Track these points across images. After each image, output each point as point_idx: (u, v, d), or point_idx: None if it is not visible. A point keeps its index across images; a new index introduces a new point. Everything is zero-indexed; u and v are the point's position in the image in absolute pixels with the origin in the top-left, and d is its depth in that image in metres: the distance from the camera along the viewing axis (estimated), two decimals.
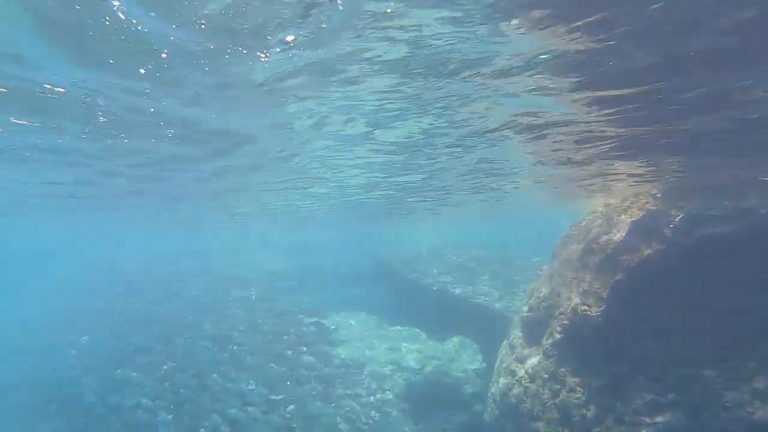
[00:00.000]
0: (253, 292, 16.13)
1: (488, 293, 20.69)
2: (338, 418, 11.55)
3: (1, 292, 28.10)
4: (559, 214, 28.38)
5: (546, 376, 11.26)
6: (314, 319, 15.00)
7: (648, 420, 8.82)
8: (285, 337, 13.47)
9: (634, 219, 9.94)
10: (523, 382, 12.06)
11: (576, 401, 10.19)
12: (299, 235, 37.01)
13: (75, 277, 23.64)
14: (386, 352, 17.80)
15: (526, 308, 13.50)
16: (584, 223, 12.12)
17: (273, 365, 12.03)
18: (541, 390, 11.29)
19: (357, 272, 30.99)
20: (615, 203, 10.91)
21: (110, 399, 11.00)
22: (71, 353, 14.45)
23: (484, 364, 17.09)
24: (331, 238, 38.55)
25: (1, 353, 18.46)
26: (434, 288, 22.47)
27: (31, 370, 15.55)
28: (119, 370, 11.84)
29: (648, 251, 9.40)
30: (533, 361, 12.01)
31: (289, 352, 12.57)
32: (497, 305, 19.82)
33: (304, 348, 13.14)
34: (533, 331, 12.83)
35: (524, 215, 34.04)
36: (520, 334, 13.71)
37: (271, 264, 30.96)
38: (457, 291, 21.33)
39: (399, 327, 19.85)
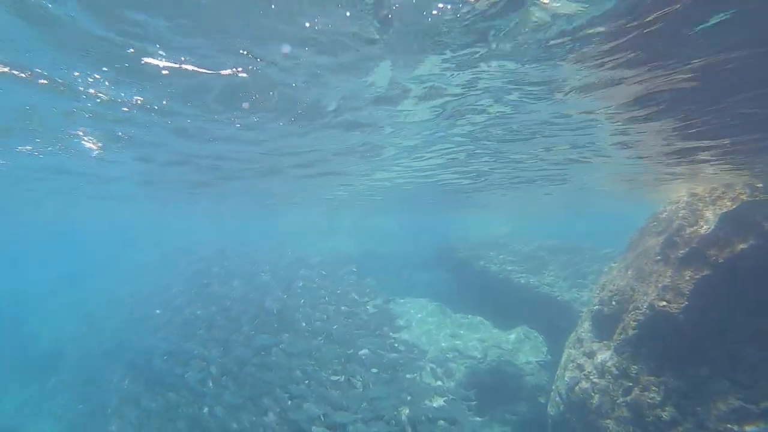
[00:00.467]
0: (318, 276, 16.59)
1: (555, 284, 19.98)
2: (400, 403, 11.70)
3: (90, 273, 31.18)
4: (630, 205, 26.70)
5: (617, 372, 10.75)
6: (377, 302, 15.16)
7: (736, 428, 8.19)
8: (348, 320, 13.76)
9: (725, 211, 9.11)
10: (591, 377, 11.60)
11: (650, 401, 9.66)
12: (365, 220, 37.64)
13: (154, 259, 25.47)
14: (449, 339, 17.77)
15: (596, 301, 12.90)
16: (665, 214, 11.30)
17: (334, 346, 12.36)
18: (611, 387, 10.81)
19: (422, 259, 31.04)
20: (702, 193, 10.05)
21: (179, 369, 11.77)
22: (147, 327, 15.55)
23: (549, 357, 16.62)
24: (397, 225, 38.84)
25: (89, 326, 20.55)
26: (500, 276, 22.04)
27: (112, 340, 17.13)
28: (188, 343, 12.50)
29: (742, 246, 8.61)
30: (603, 356, 11.50)
31: (351, 335, 12.83)
32: (565, 296, 19.11)
33: (366, 331, 13.36)
34: (604, 326, 12.26)
35: (594, 206, 32.34)
36: (590, 327, 13.15)
37: (336, 248, 31.78)
38: (523, 280, 20.79)
39: (463, 315, 19.69)
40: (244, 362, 10.69)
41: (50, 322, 24.46)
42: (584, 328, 13.52)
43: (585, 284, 19.32)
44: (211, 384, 10.42)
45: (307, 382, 10.44)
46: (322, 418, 9.29)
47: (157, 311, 13.72)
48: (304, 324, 11.95)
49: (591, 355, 12.25)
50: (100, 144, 12.28)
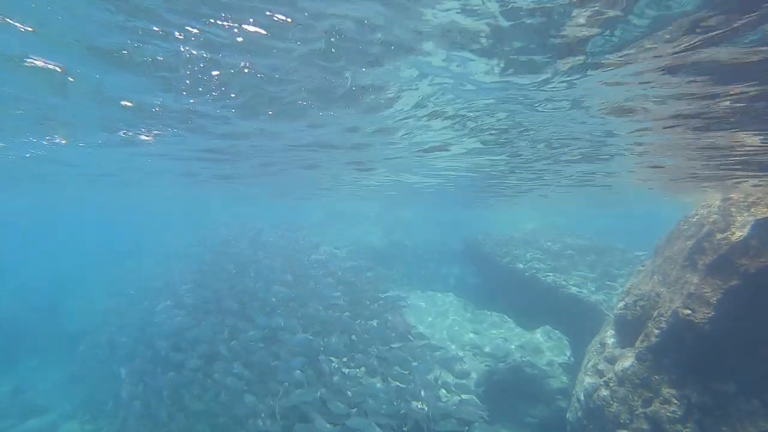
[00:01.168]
0: (338, 265, 16.52)
1: (583, 284, 19.28)
2: (411, 397, 11.57)
3: (125, 255, 32.33)
4: (671, 207, 25.39)
5: (637, 381, 10.30)
6: (394, 294, 14.89)
7: None
8: (366, 312, 13.62)
9: (760, 218, 8.46)
10: (610, 384, 11.17)
11: (671, 415, 9.20)
12: (393, 212, 37.47)
13: (182, 242, 25.72)
14: (470, 335, 17.50)
15: (621, 305, 12.38)
16: (696, 218, 10.63)
17: (347, 336, 12.21)
18: (630, 396, 10.38)
19: (448, 252, 30.69)
20: (737, 198, 9.37)
21: (182, 349, 11.53)
22: (161, 305, 15.51)
23: (572, 359, 16.13)
24: (424, 217, 38.52)
25: (113, 308, 20.95)
26: (525, 274, 21.49)
27: (130, 324, 17.40)
28: (194, 329, 12.28)
29: None
30: (624, 363, 11.03)
31: (365, 325, 12.59)
32: (592, 298, 18.42)
33: (381, 322, 13.18)
34: (627, 331, 11.76)
35: (632, 206, 30.95)
36: (613, 332, 12.66)
37: (361, 238, 31.74)
38: (550, 279, 20.17)
39: (486, 311, 19.36)
40: (251, 349, 10.74)
41: (85, 302, 25.55)
42: (608, 332, 13.03)
43: (614, 287, 18.56)
44: (217, 367, 10.55)
45: (309, 371, 10.36)
46: (321, 406, 9.27)
47: (168, 302, 13.89)
48: (311, 314, 11.83)
49: (612, 360, 11.80)
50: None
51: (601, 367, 12.14)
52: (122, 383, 12.21)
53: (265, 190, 26.74)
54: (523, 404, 15.69)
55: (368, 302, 13.55)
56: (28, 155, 16.20)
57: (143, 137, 12.88)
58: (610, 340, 12.52)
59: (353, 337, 12.15)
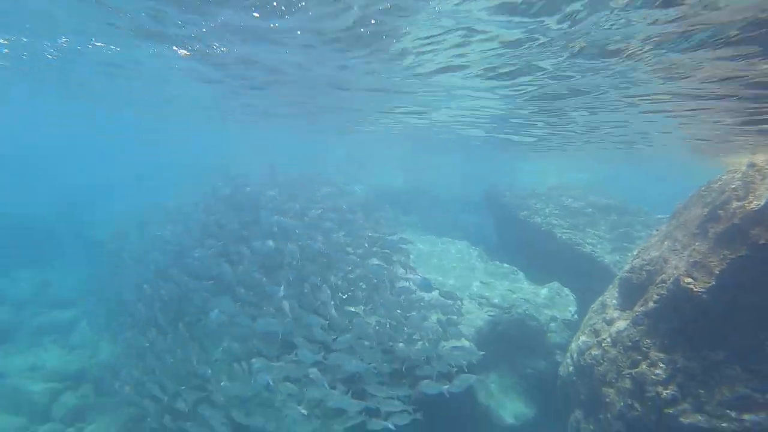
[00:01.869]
0: (348, 204, 16.31)
1: (599, 244, 18.85)
2: (409, 340, 11.85)
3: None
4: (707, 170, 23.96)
5: (629, 344, 10.24)
6: (400, 236, 14.69)
7: (733, 414, 7.68)
8: (367, 250, 13.57)
9: None
10: (603, 344, 11.17)
11: (654, 377, 9.19)
12: (420, 157, 36.89)
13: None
14: (480, 285, 17.59)
15: (627, 268, 12.11)
16: (718, 183, 10.02)
17: (357, 280, 12.35)
18: (620, 357, 10.37)
19: (469, 202, 30.34)
20: (761, 164, 8.73)
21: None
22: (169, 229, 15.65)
23: (576, 317, 16.13)
24: (451, 165, 37.83)
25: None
26: (542, 229, 21.12)
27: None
28: (198, 249, 12.36)
29: None
30: (620, 325, 10.95)
31: (365, 263, 12.56)
32: (606, 258, 18.08)
33: (391, 266, 13.28)
34: (629, 295, 11.57)
35: (666, 167, 29.30)
36: (616, 294, 12.49)
37: (383, 181, 31.56)
38: (565, 236, 19.79)
39: (498, 262, 19.37)
40: (246, 271, 10.99)
41: (111, 215, 26.48)
42: (611, 293, 12.87)
43: (630, 249, 18.04)
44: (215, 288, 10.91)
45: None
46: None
47: (167, 230, 14.23)
48: (319, 254, 11.94)
49: (610, 322, 11.72)
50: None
51: (597, 327, 12.10)
52: (129, 292, 13.04)
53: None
54: (524, 356, 15.93)
55: (370, 242, 13.61)
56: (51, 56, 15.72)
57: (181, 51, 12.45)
58: (612, 302, 12.39)
59: (351, 275, 12.30)
